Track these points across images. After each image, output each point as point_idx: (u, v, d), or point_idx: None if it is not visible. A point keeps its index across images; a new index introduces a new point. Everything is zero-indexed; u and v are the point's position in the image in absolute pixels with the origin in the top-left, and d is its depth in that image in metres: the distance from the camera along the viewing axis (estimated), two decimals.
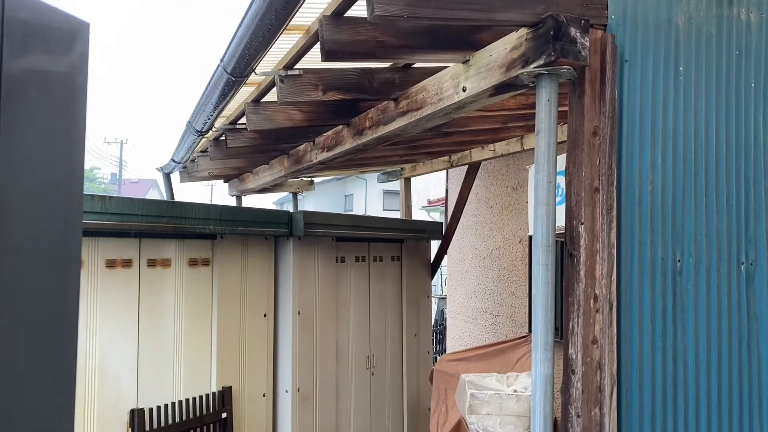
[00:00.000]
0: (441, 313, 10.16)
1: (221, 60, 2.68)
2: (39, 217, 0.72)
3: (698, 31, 2.38)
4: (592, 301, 2.13)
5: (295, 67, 2.79)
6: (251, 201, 7.76)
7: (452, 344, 7.50)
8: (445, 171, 7.53)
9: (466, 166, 5.91)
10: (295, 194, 7.55)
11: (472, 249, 7.04)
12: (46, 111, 0.75)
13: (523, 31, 2.15)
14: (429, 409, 5.08)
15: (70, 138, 0.78)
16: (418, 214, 12.66)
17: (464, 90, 2.46)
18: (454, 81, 2.53)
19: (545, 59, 2.05)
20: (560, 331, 3.45)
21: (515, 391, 3.89)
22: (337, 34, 2.25)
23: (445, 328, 8.51)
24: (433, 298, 7.56)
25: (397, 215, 6.95)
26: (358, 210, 24.35)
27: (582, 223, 2.14)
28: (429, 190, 17.54)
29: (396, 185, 7.20)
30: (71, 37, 0.77)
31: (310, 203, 22.75)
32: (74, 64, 0.78)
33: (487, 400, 3.75)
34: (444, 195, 7.99)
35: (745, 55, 2.50)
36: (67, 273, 0.78)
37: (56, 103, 0.76)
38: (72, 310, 0.79)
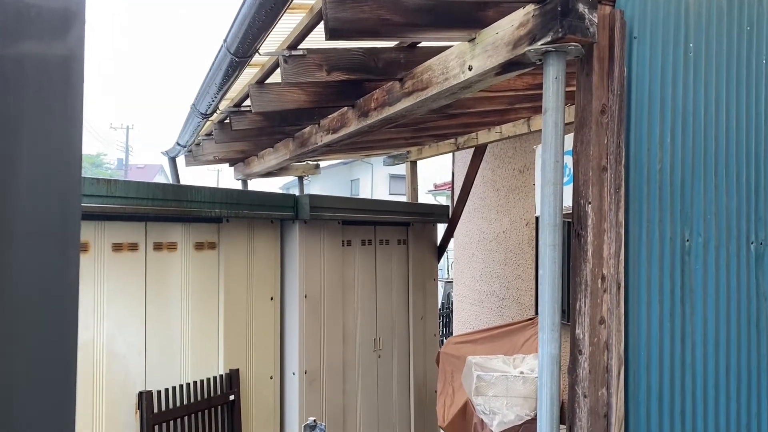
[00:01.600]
0: (447, 297, 10.18)
1: (224, 40, 2.65)
2: (37, 200, 0.71)
3: (709, 6, 2.34)
4: (599, 281, 2.12)
5: (299, 47, 2.76)
6: (259, 186, 7.74)
7: (459, 327, 7.51)
8: (451, 154, 7.49)
9: (473, 149, 5.88)
10: (300, 178, 7.54)
11: (479, 232, 7.02)
12: (42, 95, 0.73)
13: (530, 8, 2.12)
14: (435, 392, 5.10)
15: (67, 121, 0.77)
16: (424, 199, 12.64)
17: (470, 69, 2.43)
18: (460, 60, 2.50)
19: (552, 36, 2.02)
20: (567, 314, 3.44)
21: (522, 372, 3.89)
22: (340, 12, 2.21)
23: (451, 311, 8.53)
24: (439, 282, 7.56)
25: (404, 199, 6.93)
26: (364, 195, 24.32)
27: (589, 203, 2.12)
28: (435, 174, 17.48)
29: (402, 170, 7.17)
30: (67, 16, 0.75)
31: (316, 188, 22.74)
32: (71, 46, 0.76)
33: (493, 381, 3.75)
34: (450, 179, 7.96)
35: (757, 29, 2.45)
36: (67, 256, 0.77)
37: (53, 86, 0.75)
38: (72, 294, 0.78)
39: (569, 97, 2.16)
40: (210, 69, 3.04)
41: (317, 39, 2.62)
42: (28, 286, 0.70)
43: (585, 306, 2.11)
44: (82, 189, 0.82)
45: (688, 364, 2.29)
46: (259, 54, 2.69)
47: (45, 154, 0.72)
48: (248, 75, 3.31)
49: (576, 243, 2.16)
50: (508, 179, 6.46)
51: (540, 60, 2.12)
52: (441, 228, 6.23)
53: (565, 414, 2.27)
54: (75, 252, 0.77)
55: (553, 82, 2.06)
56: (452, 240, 6.77)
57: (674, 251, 2.26)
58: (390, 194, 22.69)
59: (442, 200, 15.59)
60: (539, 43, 2.06)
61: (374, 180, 24.19)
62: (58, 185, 0.74)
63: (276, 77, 3.15)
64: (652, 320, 2.22)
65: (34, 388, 0.72)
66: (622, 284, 2.14)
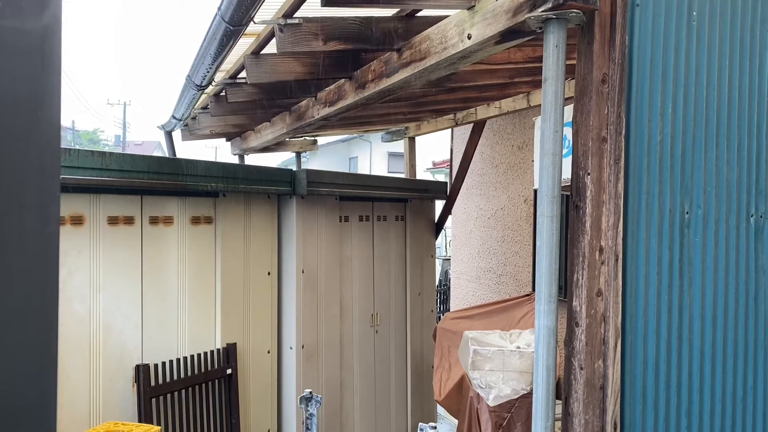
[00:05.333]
0: (445, 274, 10.20)
1: (219, 8, 2.60)
2: (19, 180, 0.71)
3: None
4: (597, 253, 2.10)
5: (294, 15, 2.71)
6: (257, 163, 7.71)
7: (456, 304, 7.53)
8: (450, 131, 7.44)
9: (471, 125, 5.83)
10: (298, 154, 7.49)
11: (477, 209, 7.01)
12: (19, 77, 0.72)
13: None
14: (432, 366, 5.11)
15: (45, 103, 0.76)
16: (423, 177, 12.59)
17: (469, 37, 2.38)
18: (459, 28, 2.45)
19: (553, 2, 1.97)
20: (564, 291, 3.43)
21: (518, 347, 3.89)
22: None
23: (449, 288, 8.55)
24: (437, 259, 7.56)
25: (402, 177, 6.89)
26: (362, 172, 24.24)
27: (588, 174, 2.09)
28: (433, 152, 17.41)
29: (400, 147, 7.12)
30: None
31: (314, 165, 22.66)
32: (48, 19, 0.76)
33: (490, 356, 3.75)
34: (448, 156, 7.91)
35: None
36: (48, 232, 0.76)
37: (30, 69, 0.74)
38: (52, 273, 0.77)
39: (569, 71, 2.12)
40: (204, 38, 2.99)
41: (313, 7, 2.57)
42: (8, 264, 0.70)
43: (582, 278, 2.10)
44: (60, 161, 0.82)
45: (685, 336, 2.29)
46: (254, 23, 2.64)
47: (24, 129, 0.72)
48: (243, 45, 3.26)
49: (574, 215, 2.14)
50: (506, 156, 6.43)
51: (540, 28, 2.07)
52: (439, 205, 6.21)
53: (561, 388, 2.26)
54: (55, 227, 0.76)
55: (553, 50, 2.02)
56: (450, 217, 6.75)
57: (673, 223, 2.24)
58: (389, 172, 22.64)
59: (441, 178, 15.55)
60: (540, 9, 2.01)
61: (373, 158, 24.09)
62: (39, 161, 0.74)
63: (272, 48, 3.09)
64: (650, 293, 2.20)
65: (17, 359, 0.71)
66: (620, 256, 2.13)
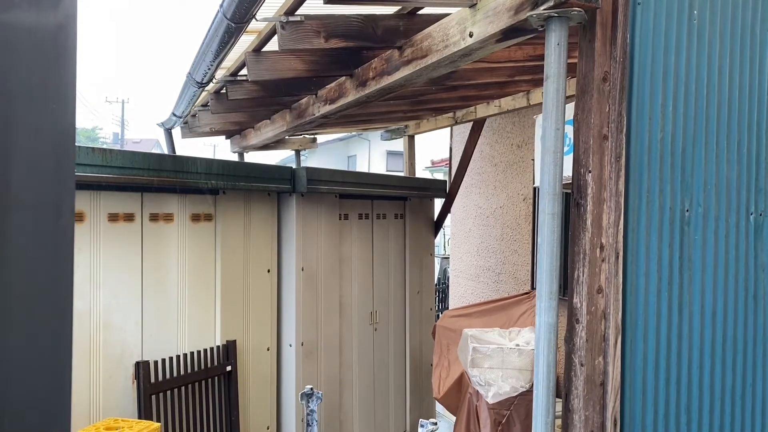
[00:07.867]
0: (444, 273, 10.22)
1: (221, 5, 2.60)
2: (33, 173, 0.72)
3: None
4: (598, 250, 2.11)
5: (296, 12, 2.71)
6: (257, 161, 7.70)
7: (455, 302, 7.54)
8: (449, 129, 7.45)
9: (471, 124, 5.84)
10: (297, 152, 7.49)
11: (476, 207, 7.02)
12: (34, 70, 0.73)
13: None
14: (431, 364, 5.13)
15: (60, 96, 0.77)
16: (422, 175, 12.59)
17: (471, 35, 2.39)
18: (460, 26, 2.46)
19: (555, 0, 1.98)
20: (563, 289, 3.45)
21: (517, 345, 3.91)
22: None
23: (447, 287, 8.56)
24: (436, 258, 7.57)
25: (401, 175, 6.89)
26: (361, 171, 24.23)
27: (590, 172, 2.10)
28: (432, 151, 17.43)
29: (399, 146, 7.13)
30: None
31: (313, 164, 22.63)
32: (63, 15, 0.77)
33: (489, 354, 3.77)
34: (447, 155, 7.92)
35: None
36: (62, 224, 0.77)
37: (46, 55, 0.74)
38: (67, 266, 0.79)
39: (570, 69, 2.13)
40: (206, 36, 2.99)
41: (315, 4, 2.57)
42: (24, 257, 0.71)
43: (583, 275, 2.11)
44: (75, 158, 0.83)
45: (685, 333, 2.30)
46: (256, 20, 2.64)
47: (39, 122, 0.73)
48: (245, 43, 3.26)
49: (575, 212, 2.15)
50: (506, 154, 6.44)
51: (542, 26, 2.08)
52: (438, 203, 6.22)
53: (561, 386, 2.28)
54: (70, 220, 0.77)
55: (554, 48, 2.03)
56: (449, 215, 6.76)
57: (674, 221, 2.25)
58: (387, 171, 22.65)
59: (440, 177, 15.56)
60: (542, 8, 2.02)
61: (371, 156, 24.09)
62: (53, 154, 0.75)
63: (273, 45, 3.10)
64: (650, 290, 2.22)
65: (30, 358, 0.72)
66: (621, 253, 2.14)
